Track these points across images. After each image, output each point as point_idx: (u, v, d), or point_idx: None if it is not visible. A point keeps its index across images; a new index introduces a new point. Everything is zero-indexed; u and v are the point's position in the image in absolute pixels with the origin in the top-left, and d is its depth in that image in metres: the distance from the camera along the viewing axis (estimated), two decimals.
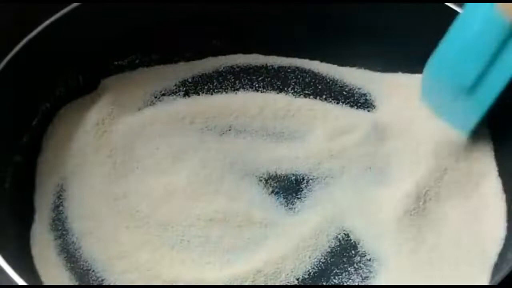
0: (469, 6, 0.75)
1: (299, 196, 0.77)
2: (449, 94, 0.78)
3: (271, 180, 0.78)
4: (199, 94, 0.85)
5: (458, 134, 0.78)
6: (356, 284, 0.71)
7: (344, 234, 0.74)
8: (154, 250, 0.72)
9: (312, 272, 0.72)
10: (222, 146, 0.79)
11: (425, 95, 0.81)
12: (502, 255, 0.71)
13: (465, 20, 0.75)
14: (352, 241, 0.74)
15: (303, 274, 0.71)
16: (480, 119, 0.77)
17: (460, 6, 0.80)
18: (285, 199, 0.77)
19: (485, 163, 0.78)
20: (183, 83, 0.85)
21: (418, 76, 0.83)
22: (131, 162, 0.78)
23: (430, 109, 0.80)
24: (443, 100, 0.79)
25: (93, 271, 0.71)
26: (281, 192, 0.77)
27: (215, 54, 0.87)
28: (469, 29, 0.74)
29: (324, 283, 0.71)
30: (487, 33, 0.73)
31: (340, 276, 0.72)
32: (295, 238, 0.73)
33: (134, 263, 0.71)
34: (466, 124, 0.78)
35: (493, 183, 0.77)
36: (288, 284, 0.70)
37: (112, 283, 0.70)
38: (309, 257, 0.72)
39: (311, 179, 0.78)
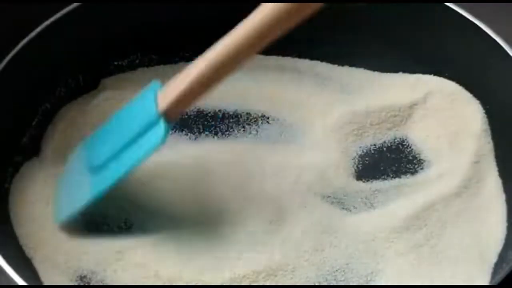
0: (141, 92, 0.72)
1: None
2: (81, 171, 0.73)
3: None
4: None
5: None
6: (357, 284, 0.71)
7: None
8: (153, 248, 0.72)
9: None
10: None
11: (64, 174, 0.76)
12: (502, 255, 0.71)
13: (130, 104, 0.73)
14: None
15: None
16: (91, 201, 0.71)
17: (460, 6, 0.80)
18: None
19: (485, 163, 0.78)
20: None
21: (417, 76, 0.83)
22: None
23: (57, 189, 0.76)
24: (72, 177, 0.74)
25: (93, 271, 0.71)
26: None
27: None
28: (128, 112, 0.73)
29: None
30: (137, 117, 0.70)
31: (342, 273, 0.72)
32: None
33: (133, 263, 0.71)
34: (76, 204, 0.72)
35: (493, 183, 0.77)
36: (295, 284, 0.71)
37: (112, 283, 0.70)
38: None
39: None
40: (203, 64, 0.67)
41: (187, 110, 0.75)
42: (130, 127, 0.70)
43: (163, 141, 0.68)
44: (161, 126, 0.68)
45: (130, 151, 0.70)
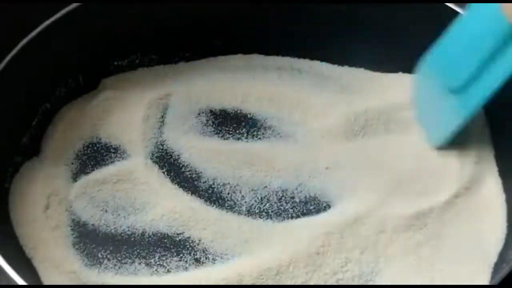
0: (474, 6, 0.74)
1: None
2: (438, 93, 0.77)
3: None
4: None
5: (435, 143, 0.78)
6: (357, 284, 0.71)
7: None
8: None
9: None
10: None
11: (414, 93, 0.80)
12: (502, 255, 0.71)
13: (467, 19, 0.75)
14: None
15: None
16: (463, 122, 0.76)
17: (460, 6, 0.80)
18: None
19: (485, 163, 0.78)
20: None
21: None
22: None
23: (415, 110, 0.80)
24: (430, 99, 0.78)
25: (93, 270, 0.71)
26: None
27: (215, 54, 0.87)
28: (469, 28, 0.74)
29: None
30: (486, 33, 0.72)
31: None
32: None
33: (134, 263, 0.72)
34: (446, 129, 0.77)
35: (493, 183, 0.77)
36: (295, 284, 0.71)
37: (112, 283, 0.70)
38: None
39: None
40: None
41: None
42: (481, 43, 0.71)
43: None
44: None
45: (493, 68, 0.71)
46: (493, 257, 0.71)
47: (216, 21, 0.85)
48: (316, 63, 0.87)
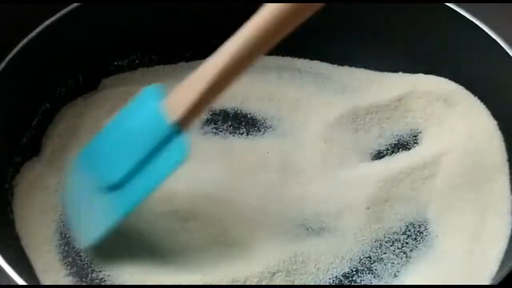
0: (136, 100, 0.70)
1: None
2: (93, 191, 0.71)
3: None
4: None
5: None
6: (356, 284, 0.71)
7: None
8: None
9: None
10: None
11: (68, 197, 0.74)
12: (503, 255, 0.71)
13: (128, 113, 0.71)
14: None
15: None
16: (117, 222, 0.69)
17: (460, 6, 0.80)
18: None
19: (496, 163, 0.77)
20: None
21: (417, 76, 0.83)
22: None
23: (69, 214, 0.73)
24: (83, 199, 0.72)
25: (93, 270, 0.71)
26: None
27: None
28: (129, 125, 0.70)
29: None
30: (146, 130, 0.68)
31: None
32: None
33: (133, 263, 0.71)
34: (100, 227, 0.70)
35: (500, 183, 0.76)
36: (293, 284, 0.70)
37: (112, 283, 0.70)
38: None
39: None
40: (214, 67, 0.65)
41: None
42: (141, 141, 0.68)
43: (187, 155, 0.66)
44: (181, 140, 0.66)
45: (152, 168, 0.67)
46: (494, 258, 0.71)
47: (216, 21, 0.85)
48: (316, 63, 0.87)
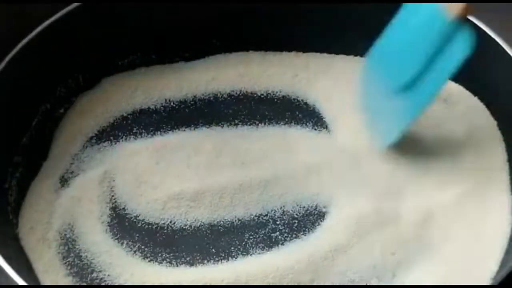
0: (410, 4, 0.73)
1: None
2: (384, 94, 0.75)
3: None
4: None
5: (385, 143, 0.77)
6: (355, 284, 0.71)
7: None
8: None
9: None
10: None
11: (360, 95, 0.79)
12: (503, 256, 0.71)
13: (405, 17, 0.74)
14: None
15: None
16: (411, 122, 0.74)
17: None
18: None
19: (496, 163, 0.77)
20: None
21: None
22: None
23: (362, 113, 0.78)
24: (376, 101, 0.77)
25: (93, 270, 0.71)
26: None
27: (215, 54, 0.87)
28: (410, 26, 0.73)
29: None
30: (427, 30, 0.71)
31: None
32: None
33: (133, 262, 0.72)
34: (395, 129, 0.75)
35: (502, 183, 0.76)
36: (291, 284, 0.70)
37: (112, 283, 0.71)
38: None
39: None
40: None
41: None
42: (424, 40, 0.70)
43: (472, 48, 0.68)
44: (464, 32, 0.68)
45: (438, 66, 0.70)
46: (494, 259, 0.71)
47: (216, 21, 0.85)
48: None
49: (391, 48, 0.75)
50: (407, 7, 0.73)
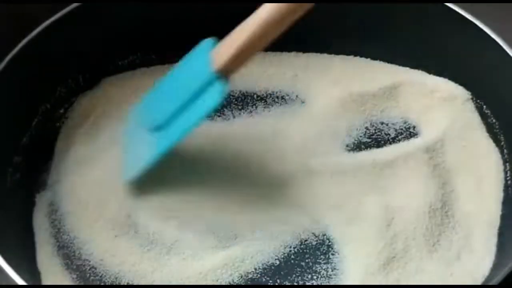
0: (192, 51, 0.75)
1: None
2: (141, 133, 0.76)
3: None
4: None
5: None
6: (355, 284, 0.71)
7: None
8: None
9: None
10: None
11: (124, 133, 0.79)
12: (501, 254, 0.71)
13: (184, 62, 0.75)
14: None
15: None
16: (157, 157, 0.74)
17: (460, 6, 0.80)
18: None
19: (495, 163, 0.77)
20: None
21: (417, 76, 0.84)
22: None
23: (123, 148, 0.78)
24: (134, 140, 0.77)
25: (93, 271, 0.71)
26: None
27: None
28: (182, 70, 0.75)
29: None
30: (193, 77, 0.72)
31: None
32: None
33: (132, 262, 0.72)
34: (141, 163, 0.75)
35: (500, 184, 0.76)
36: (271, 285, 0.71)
37: (111, 283, 0.71)
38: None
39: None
40: (255, 24, 0.69)
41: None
42: (186, 87, 0.72)
43: (222, 100, 0.70)
44: (219, 85, 0.70)
45: (190, 110, 0.72)
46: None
47: (216, 21, 0.85)
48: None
49: (160, 89, 0.77)
50: (190, 54, 0.75)
